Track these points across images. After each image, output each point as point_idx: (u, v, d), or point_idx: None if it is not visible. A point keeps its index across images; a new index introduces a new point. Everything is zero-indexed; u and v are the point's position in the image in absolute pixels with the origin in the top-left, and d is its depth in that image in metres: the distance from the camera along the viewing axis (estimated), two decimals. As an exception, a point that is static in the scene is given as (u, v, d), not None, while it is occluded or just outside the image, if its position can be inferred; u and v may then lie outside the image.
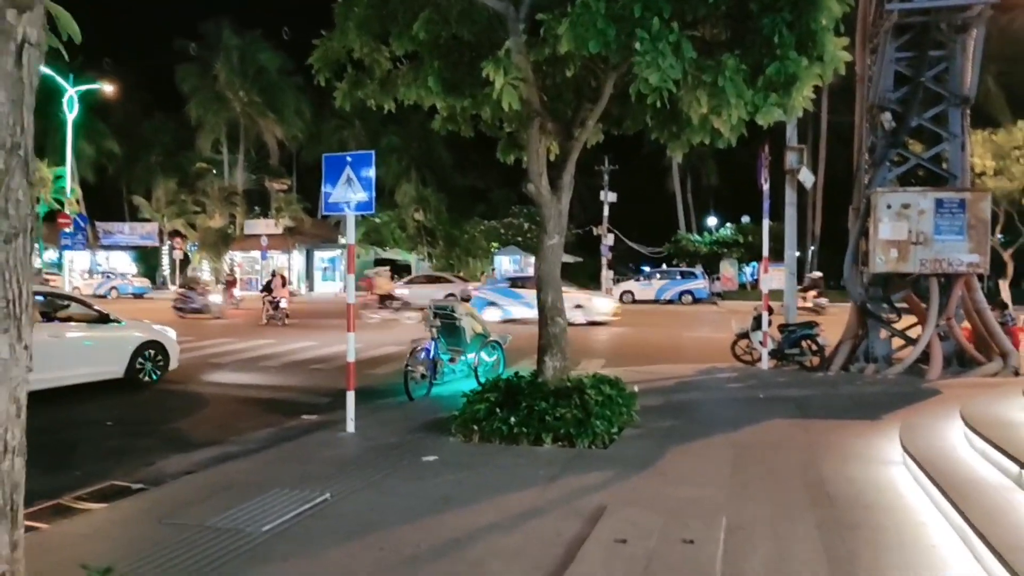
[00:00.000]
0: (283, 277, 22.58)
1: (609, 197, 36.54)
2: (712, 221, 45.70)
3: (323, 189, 7.20)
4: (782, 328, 11.93)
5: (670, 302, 32.52)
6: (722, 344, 13.04)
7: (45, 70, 21.80)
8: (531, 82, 6.92)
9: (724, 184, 45.53)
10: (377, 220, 41.30)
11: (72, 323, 10.01)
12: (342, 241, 41.82)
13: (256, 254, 38.74)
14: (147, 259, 45.74)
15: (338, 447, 6.68)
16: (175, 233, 42.16)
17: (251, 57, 41.06)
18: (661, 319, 24.33)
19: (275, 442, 7.13)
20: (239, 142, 44.60)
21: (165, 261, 44.07)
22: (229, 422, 8.32)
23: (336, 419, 8.03)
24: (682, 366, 12.00)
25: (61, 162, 33.70)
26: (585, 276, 39.20)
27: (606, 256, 36.37)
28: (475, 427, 6.65)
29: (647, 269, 38.38)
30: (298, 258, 41.48)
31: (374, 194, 7.06)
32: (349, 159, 7.12)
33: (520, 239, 39.26)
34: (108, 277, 37.24)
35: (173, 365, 10.98)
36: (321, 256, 42.15)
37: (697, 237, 41.97)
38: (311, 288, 41.18)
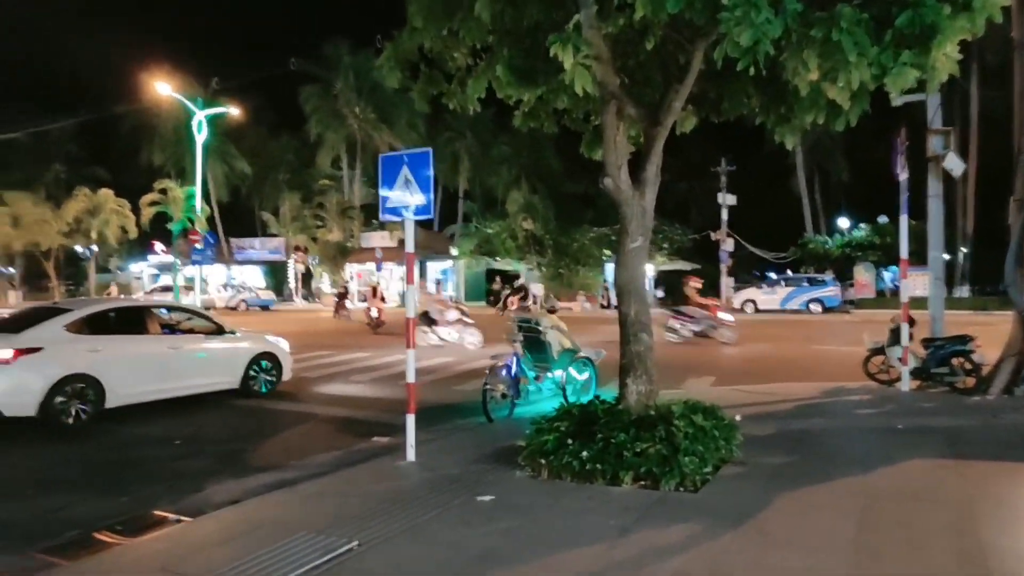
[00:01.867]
0: (374, 288, 24.38)
1: (728, 200, 34.48)
2: (844, 222, 42.11)
3: (380, 192, 6.58)
4: (927, 342, 10.19)
5: (797, 311, 30.03)
6: (854, 360, 11.38)
7: (178, 96, 23.19)
8: (606, 60, 5.99)
9: (857, 181, 41.98)
10: (489, 231, 41.25)
11: (191, 335, 10.27)
12: (454, 252, 42.34)
13: (372, 266, 39.55)
14: (276, 273, 48.08)
15: (391, 479, 5.99)
16: (298, 247, 43.98)
17: (365, 74, 42.21)
18: (785, 330, 22.31)
19: (333, 468, 6.59)
20: (357, 157, 45.98)
21: (291, 274, 46.07)
22: (298, 443, 7.89)
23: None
24: (804, 385, 10.51)
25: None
26: (705, 284, 37.11)
27: (725, 262, 34.29)
28: (543, 461, 5.76)
29: (773, 275, 35.73)
30: (411, 269, 42.05)
31: (432, 196, 6.36)
32: (406, 158, 6.47)
33: (633, 246, 37.78)
34: (238, 291, 39.24)
35: (286, 376, 11.05)
36: (434, 268, 42.52)
37: (827, 240, 38.78)
38: (425, 299, 41.60)
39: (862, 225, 38.37)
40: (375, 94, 43.27)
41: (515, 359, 9.06)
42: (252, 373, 10.50)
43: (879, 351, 10.47)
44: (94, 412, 8.61)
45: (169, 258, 39.23)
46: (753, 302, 31.31)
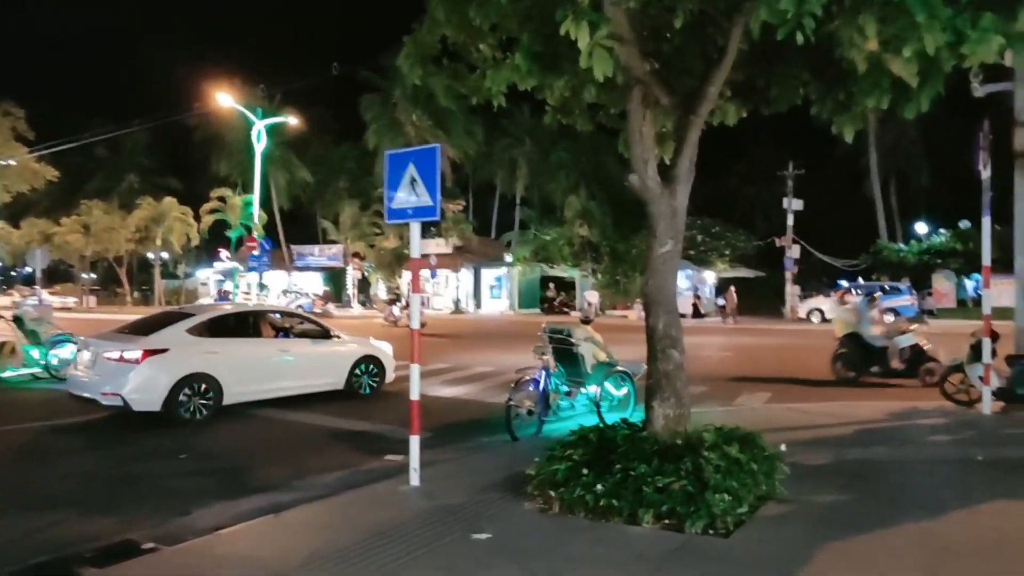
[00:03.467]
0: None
1: (794, 205, 32.86)
2: (922, 228, 39.64)
3: (386, 193, 6.05)
4: (1013, 359, 9.02)
5: (869, 322, 28.21)
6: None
7: (239, 107, 23.51)
8: (630, 41, 5.31)
9: (938, 185, 39.55)
10: (546, 237, 40.63)
11: (300, 339, 10.81)
12: (508, 259, 41.87)
13: (427, 272, 39.49)
14: (335, 279, 48.62)
15: (387, 507, 5.41)
16: (356, 254, 44.34)
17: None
18: (854, 342, 20.80)
19: (334, 491, 6.08)
20: (414, 165, 46.04)
21: (349, 280, 46.49)
22: (306, 459, 7.43)
23: (424, 460, 6.88)
24: (870, 405, 9.49)
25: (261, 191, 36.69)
26: (769, 292, 35.58)
27: (790, 270, 32.69)
28: (552, 492, 5.09)
29: (844, 284, 33.83)
30: (466, 276, 41.79)
31: (439, 198, 5.79)
32: (413, 157, 5.92)
33: (692, 252, 36.49)
34: (296, 296, 39.74)
35: (389, 378, 11.46)
36: (489, 274, 42.17)
37: (902, 246, 36.55)
38: (479, 306, 41.25)
39: (942, 230, 36.03)
40: (432, 102, 43.20)
41: (544, 373, 8.40)
42: (356, 375, 10.98)
43: (958, 368, 9.35)
44: (213, 409, 9.23)
45: (233, 264, 40.08)
46: (820, 311, 29.64)
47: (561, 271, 40.08)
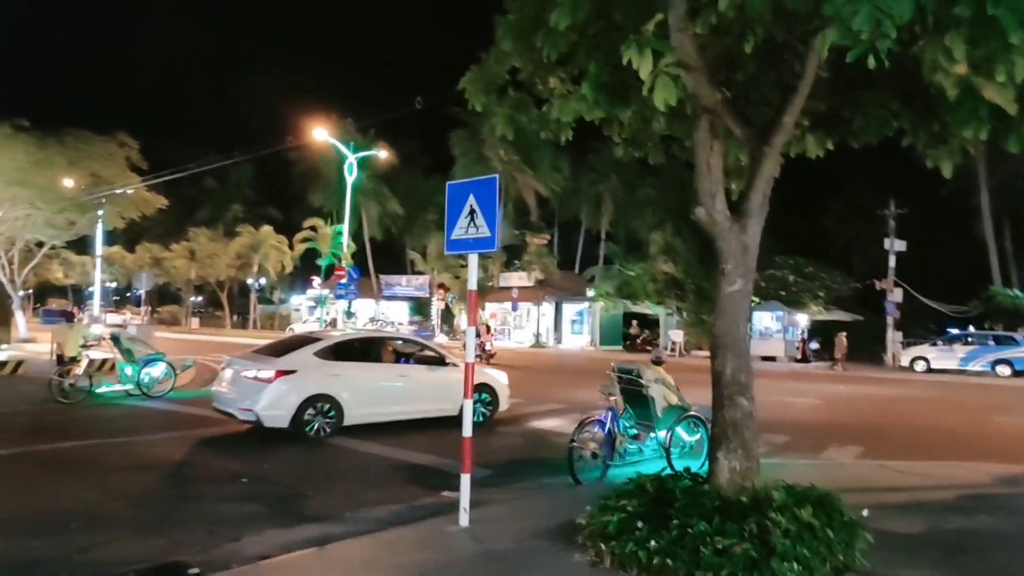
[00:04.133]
0: (487, 326, 28.72)
1: (896, 245, 31.03)
2: (1042, 274, 36.61)
3: (447, 224, 5.97)
4: None
5: (979, 373, 26.09)
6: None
7: (333, 141, 24.47)
8: (697, 69, 5.05)
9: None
10: (630, 273, 40.01)
11: (418, 365, 11.21)
12: (590, 293, 41.41)
13: (508, 305, 39.56)
14: (421, 309, 49.51)
15: (431, 548, 5.21)
16: (441, 285, 45.03)
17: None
18: (961, 395, 19.24)
19: (384, 525, 5.97)
20: (500, 200, 46.61)
21: (434, 311, 47.20)
22: (364, 490, 7.34)
23: (479, 499, 6.66)
24: (975, 467, 8.59)
25: (351, 221, 37.98)
26: (869, 338, 33.57)
27: (892, 314, 30.78)
28: (603, 545, 4.75)
29: (954, 331, 31.47)
30: (548, 310, 41.58)
31: (497, 230, 5.65)
32: (472, 187, 5.83)
33: (784, 293, 34.96)
34: (381, 325, 40.61)
35: (503, 407, 11.74)
36: (570, 309, 41.80)
37: (1018, 293, 33.79)
38: (559, 340, 40.88)
39: (1064, 277, 33.14)
40: (519, 137, 43.65)
41: (610, 414, 8.05)
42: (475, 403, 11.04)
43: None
44: (334, 428, 9.83)
45: (325, 291, 41.46)
46: (925, 360, 27.64)
47: (645, 308, 39.24)
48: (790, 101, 5.04)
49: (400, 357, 11.38)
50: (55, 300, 56.32)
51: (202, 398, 13.90)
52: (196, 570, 4.96)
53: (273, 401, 9.49)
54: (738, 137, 5.61)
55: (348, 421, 9.95)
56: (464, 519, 5.68)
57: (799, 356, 31.63)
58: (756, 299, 35.15)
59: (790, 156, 6.19)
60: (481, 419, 11.17)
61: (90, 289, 56.30)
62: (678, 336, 34.26)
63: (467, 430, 5.79)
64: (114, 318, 44.13)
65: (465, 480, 5.73)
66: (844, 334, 28.87)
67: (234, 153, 25.86)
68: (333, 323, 34.55)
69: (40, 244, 30.36)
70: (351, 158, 31.52)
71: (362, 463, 8.67)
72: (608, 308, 39.73)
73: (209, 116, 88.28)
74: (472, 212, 5.75)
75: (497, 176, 5.78)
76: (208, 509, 6.47)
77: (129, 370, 13.81)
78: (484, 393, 11.41)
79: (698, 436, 8.61)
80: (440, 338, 44.76)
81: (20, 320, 28.33)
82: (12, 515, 6.05)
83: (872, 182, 39.65)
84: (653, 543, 4.54)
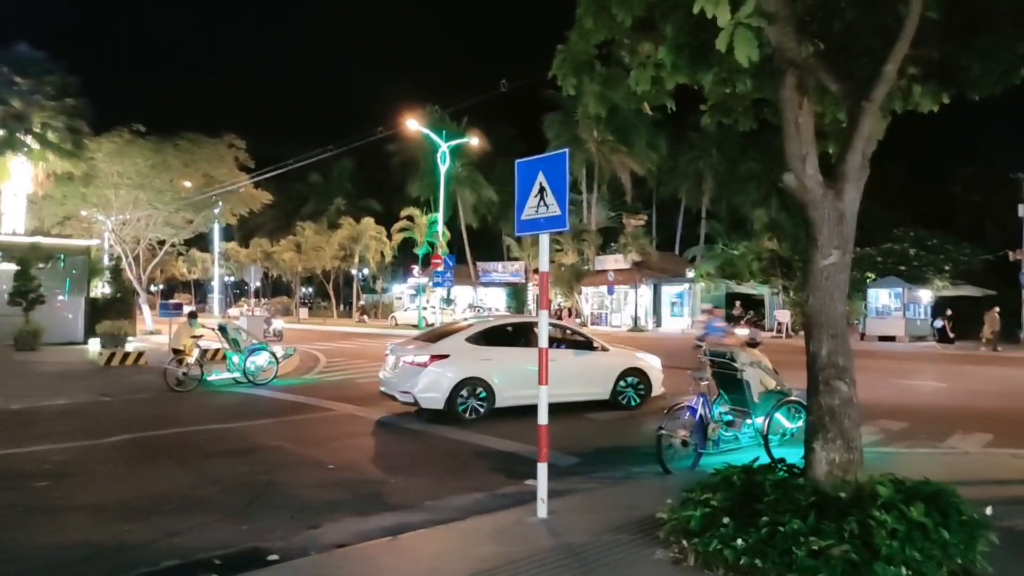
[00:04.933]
0: (570, 309, 29.08)
1: (1032, 212, 28.19)
2: None
3: (516, 203, 5.73)
4: None
5: None
6: None
7: (425, 130, 24.90)
8: (782, 18, 4.54)
9: None
10: (733, 252, 38.51)
11: (568, 349, 11.37)
12: (690, 274, 40.13)
13: (604, 288, 38.98)
14: (517, 295, 49.72)
15: (505, 539, 5.02)
16: (536, 270, 44.98)
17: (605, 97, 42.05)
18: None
19: (463, 514, 5.84)
20: (595, 181, 45.97)
21: (530, 296, 47.26)
22: (448, 478, 7.27)
23: (561, 488, 6.51)
24: None
25: (447, 209, 38.58)
26: (1003, 314, 30.76)
27: (1029, 288, 28.00)
28: (686, 542, 4.41)
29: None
30: (646, 292, 40.65)
31: (567, 207, 5.35)
32: (542, 164, 5.55)
33: (903, 268, 32.53)
34: (477, 310, 41.02)
35: (656, 391, 11.69)
36: (669, 291, 40.70)
37: None
38: (658, 323, 39.91)
39: None
40: (613, 116, 42.92)
41: (701, 400, 7.60)
42: (621, 387, 11.35)
43: None
44: (487, 410, 10.27)
45: (423, 279, 42.37)
46: (1068, 339, 24.98)
47: (749, 288, 37.65)
48: (892, 48, 4.45)
49: (558, 342, 11.57)
50: (180, 295, 60.51)
51: (303, 385, 14.41)
52: (275, 556, 5.00)
53: (429, 384, 10.10)
54: (834, 93, 5.04)
55: (500, 403, 10.32)
56: (542, 510, 5.47)
57: (939, 336, 28.87)
58: (871, 275, 32.95)
59: (903, 115, 5.54)
60: (635, 404, 11.34)
61: (211, 283, 60.18)
62: (784, 316, 32.63)
63: (542, 418, 5.56)
64: (233, 311, 46.98)
65: (542, 470, 5.51)
66: (996, 309, 26.15)
67: (329, 147, 26.58)
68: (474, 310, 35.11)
69: (161, 243, 32.54)
70: (443, 146, 31.86)
71: (449, 450, 8.62)
72: (710, 289, 38.42)
73: (311, 113, 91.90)
74: (542, 190, 5.49)
75: (566, 151, 5.46)
76: (293, 495, 6.57)
77: (236, 359, 14.46)
78: (633, 377, 11.48)
79: (800, 423, 7.98)
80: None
81: (147, 314, 30.49)
82: (111, 500, 6.36)
83: (1009, 143, 36.23)
84: (740, 541, 4.15)
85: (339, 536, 5.44)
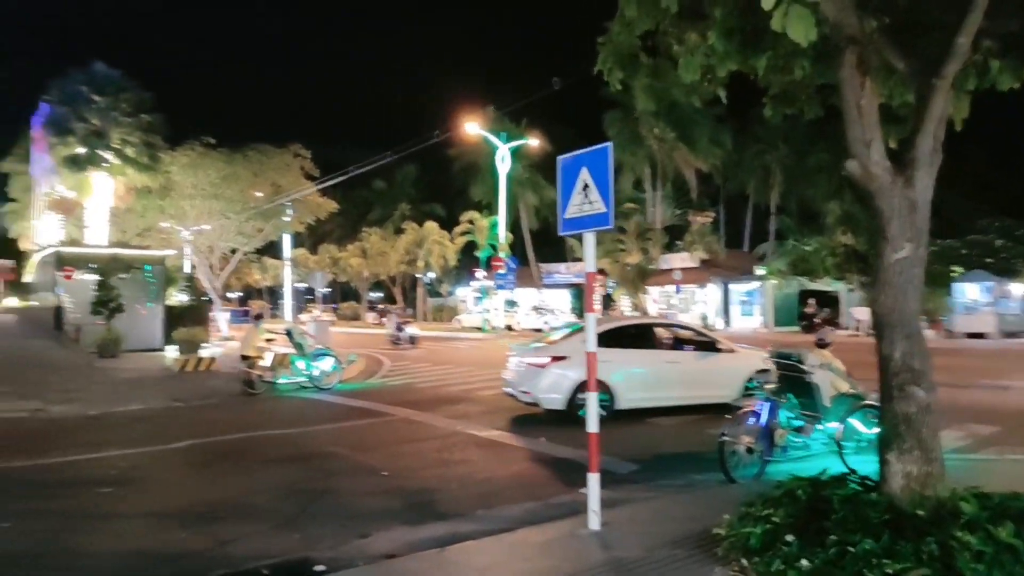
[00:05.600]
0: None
1: None
2: None
3: (559, 201, 5.53)
4: None
5: None
6: None
7: (482, 132, 24.99)
8: (842, -7, 4.19)
9: None
10: (806, 247, 37.10)
11: (692, 351, 11.24)
12: (760, 272, 38.83)
13: (671, 288, 38.17)
14: (581, 296, 49.26)
15: (554, 553, 4.81)
16: (600, 271, 44.43)
17: (663, 93, 41.24)
18: None
19: (514, 524, 5.66)
20: (658, 179, 45.16)
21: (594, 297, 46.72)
22: (502, 486, 7.12)
23: (618, 497, 6.28)
24: None
25: (508, 212, 38.58)
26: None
27: None
28: (745, 560, 4.11)
29: None
30: (714, 291, 39.60)
31: (612, 203, 5.11)
32: (585, 159, 5.33)
33: (990, 260, 30.60)
34: (541, 313, 40.80)
35: None
36: (738, 290, 39.51)
37: None
38: (728, 323, 38.79)
39: None
40: (674, 113, 42.08)
41: (767, 404, 7.21)
42: (749, 388, 10.83)
43: None
44: (609, 413, 9.85)
45: (487, 283, 42.53)
46: None
47: (823, 284, 36.15)
48: (965, 19, 4.04)
49: (673, 343, 11.50)
50: (255, 301, 62.54)
51: (365, 390, 14.53)
52: (322, 567, 4.94)
53: (549, 385, 10.22)
54: (901, 72, 4.64)
55: (621, 405, 10.17)
56: (594, 522, 5.23)
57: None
58: (958, 269, 31.12)
59: (979, 95, 5.07)
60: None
61: (284, 289, 62.03)
62: (862, 314, 31.12)
63: (592, 425, 5.33)
64: (305, 316, 48.27)
65: (593, 481, 5.27)
66: None
67: (387, 153, 26.90)
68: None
69: (234, 251, 33.66)
70: (502, 148, 31.83)
71: (506, 457, 8.46)
72: (781, 286, 37.12)
73: (376, 122, 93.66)
74: (585, 187, 5.26)
75: (609, 145, 5.21)
76: (346, 503, 6.53)
77: (301, 364, 14.71)
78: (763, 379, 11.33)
79: (877, 429, 7.50)
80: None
81: (222, 320, 31.56)
82: (170, 506, 6.46)
83: (998, 85, 33.52)
84: (805, 562, 3.83)
85: (389, 546, 5.36)
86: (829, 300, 36.26)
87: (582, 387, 9.60)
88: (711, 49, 5.40)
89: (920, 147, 4.27)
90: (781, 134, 43.36)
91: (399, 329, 27.42)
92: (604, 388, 9.96)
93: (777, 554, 3.96)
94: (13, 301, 40.80)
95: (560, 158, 5.53)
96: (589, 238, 5.36)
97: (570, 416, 9.88)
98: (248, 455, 8.58)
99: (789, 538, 4.02)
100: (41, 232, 28.94)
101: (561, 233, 5.67)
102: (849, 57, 4.29)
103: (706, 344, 11.40)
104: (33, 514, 6.20)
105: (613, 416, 9.87)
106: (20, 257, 38.98)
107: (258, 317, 15.75)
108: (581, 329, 11.01)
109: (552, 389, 10.19)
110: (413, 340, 27.20)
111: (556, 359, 10.33)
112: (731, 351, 11.21)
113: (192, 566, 4.97)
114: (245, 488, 7.11)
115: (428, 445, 9.02)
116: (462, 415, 11.03)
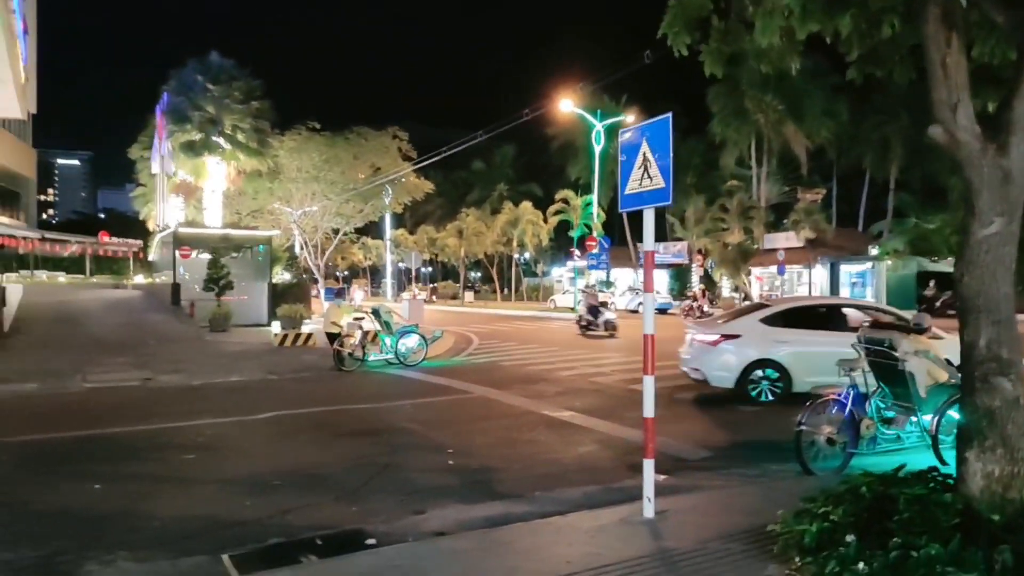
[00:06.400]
0: (703, 289, 29.35)
1: None
2: None
3: (620, 177, 5.30)
4: None
5: None
6: None
7: (577, 110, 24.64)
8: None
9: None
10: (928, 225, 34.52)
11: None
12: (873, 251, 36.41)
13: (774, 268, 36.51)
14: (680, 276, 48.06)
15: (603, 540, 4.66)
16: (700, 251, 43.10)
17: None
18: None
19: (570, 508, 5.55)
20: (764, 154, 43.14)
21: (693, 278, 45.44)
22: (566, 469, 7.01)
23: (683, 485, 6.11)
24: None
25: (605, 191, 38.02)
26: None
27: None
28: (799, 559, 3.82)
29: None
30: (820, 272, 37.54)
31: (671, 179, 4.84)
32: (646, 132, 5.06)
33: None
34: (636, 293, 40.04)
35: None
36: (848, 270, 37.28)
37: None
38: (840, 305, 36.76)
39: None
40: (783, 84, 39.90)
41: (852, 393, 6.71)
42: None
43: None
44: (783, 394, 9.89)
45: (583, 262, 42.19)
46: None
47: (947, 265, 33.51)
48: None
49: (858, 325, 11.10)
50: (358, 280, 65.06)
51: (449, 367, 14.75)
52: (372, 541, 5.02)
53: (718, 363, 10.15)
54: (1000, 25, 4.10)
55: (798, 388, 9.76)
56: (648, 510, 5.04)
57: None
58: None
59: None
60: None
61: (385, 268, 64.09)
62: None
63: (648, 410, 5.11)
64: (405, 294, 49.74)
65: (648, 467, 5.07)
66: None
67: (479, 133, 26.99)
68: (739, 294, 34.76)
69: (336, 231, 34.99)
70: (598, 126, 31.30)
71: (576, 439, 8.32)
72: (897, 267, 34.74)
73: (474, 103, 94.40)
74: (645, 161, 5.01)
75: (669, 115, 4.92)
76: (407, 478, 6.62)
77: (388, 341, 15.10)
78: None
79: (980, 423, 6.83)
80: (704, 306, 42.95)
81: (324, 297, 32.99)
82: (243, 473, 6.76)
83: None
84: (862, 565, 3.51)
85: (441, 523, 5.38)
86: (952, 282, 33.64)
87: (754, 367, 9.90)
88: (790, 8, 4.99)
89: (1017, 110, 3.76)
90: (902, 103, 40.25)
91: (592, 312, 22.20)
92: (777, 368, 9.90)
93: (833, 554, 3.65)
94: (140, 278, 44.26)
95: (620, 131, 5.29)
96: (648, 214, 5.12)
97: (740, 395, 9.82)
98: (326, 428, 8.87)
99: (848, 538, 3.70)
100: (165, 214, 31.12)
101: (621, 209, 5.45)
102: (933, 10, 3.82)
103: (904, 329, 10.48)
104: (123, 477, 6.66)
105: (787, 398, 9.62)
106: (147, 237, 42.11)
107: (339, 293, 16.22)
108: (758, 307, 11.11)
109: (721, 367, 10.08)
110: (609, 326, 21.68)
111: (727, 337, 10.19)
112: (936, 338, 10.19)
113: (250, 532, 5.16)
114: (315, 459, 7.35)
115: (498, 423, 9.03)
116: (537, 395, 10.97)
